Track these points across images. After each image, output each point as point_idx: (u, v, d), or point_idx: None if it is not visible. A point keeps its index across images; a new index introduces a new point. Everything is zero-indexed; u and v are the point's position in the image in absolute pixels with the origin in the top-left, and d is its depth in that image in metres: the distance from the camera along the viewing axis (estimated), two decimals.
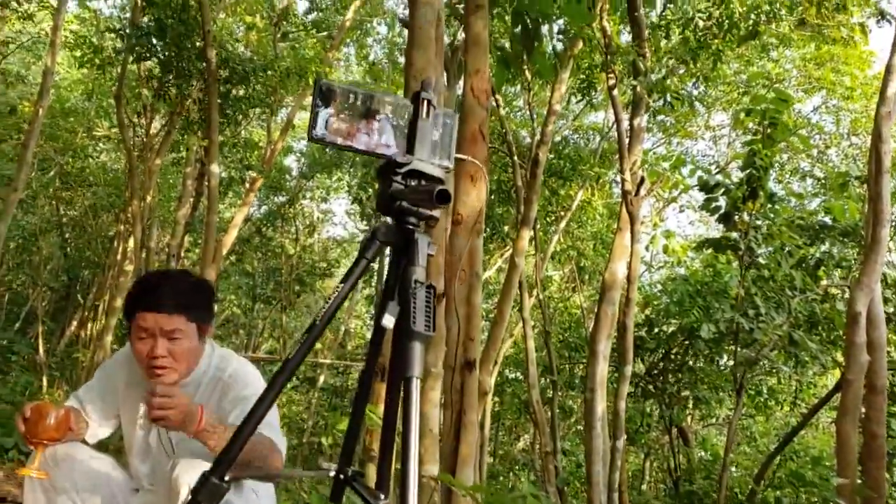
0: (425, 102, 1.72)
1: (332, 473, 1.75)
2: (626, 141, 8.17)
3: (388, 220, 1.67)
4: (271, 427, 2.07)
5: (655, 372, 11.17)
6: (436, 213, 1.64)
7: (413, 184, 1.67)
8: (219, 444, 1.88)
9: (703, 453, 12.45)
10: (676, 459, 11.18)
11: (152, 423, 2.00)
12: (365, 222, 15.06)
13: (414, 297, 1.55)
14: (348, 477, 1.74)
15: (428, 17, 3.41)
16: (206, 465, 1.79)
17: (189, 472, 1.86)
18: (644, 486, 13.53)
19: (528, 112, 13.01)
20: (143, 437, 2.26)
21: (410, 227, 1.65)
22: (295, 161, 18.80)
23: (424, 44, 3.36)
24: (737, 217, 7.59)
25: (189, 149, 11.90)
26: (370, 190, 13.53)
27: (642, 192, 7.78)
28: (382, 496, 1.72)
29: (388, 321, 1.59)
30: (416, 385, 1.51)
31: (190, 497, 1.74)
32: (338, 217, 42.21)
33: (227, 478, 1.63)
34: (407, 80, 3.42)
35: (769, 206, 7.79)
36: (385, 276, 1.72)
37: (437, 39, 3.51)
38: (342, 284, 1.66)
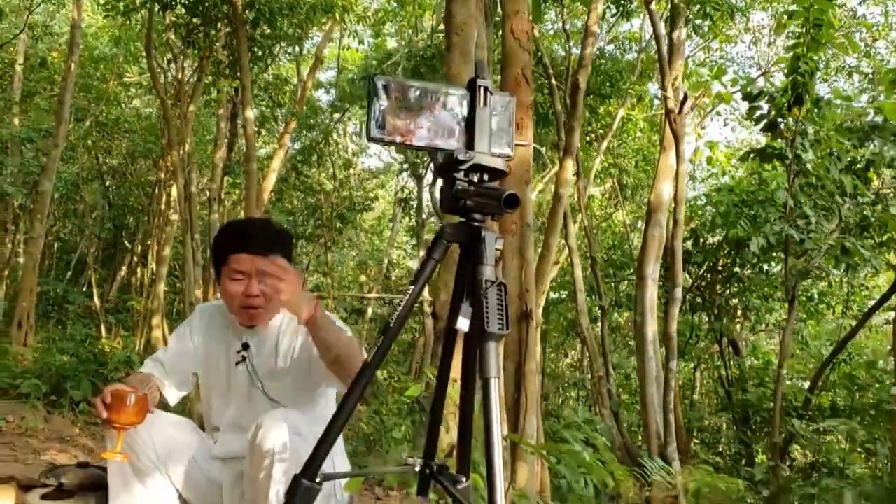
0: (482, 90, 1.67)
1: (418, 469, 1.78)
2: (666, 54, 7.93)
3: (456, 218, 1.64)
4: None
5: (703, 284, 11.10)
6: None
7: (476, 179, 1.63)
8: (328, 337, 1.96)
9: (754, 360, 12.44)
10: (728, 369, 11.20)
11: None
12: (400, 153, 14.96)
13: (486, 298, 1.53)
14: (433, 471, 1.76)
15: None
16: (288, 423, 1.91)
17: (272, 434, 1.92)
18: (696, 397, 13.63)
19: (560, 25, 12.64)
20: (229, 377, 2.33)
21: (477, 223, 1.62)
22: (324, 93, 18.63)
23: None
24: (782, 124, 7.38)
25: (220, 90, 11.82)
26: None
27: (686, 108, 7.58)
28: (464, 479, 1.79)
29: (463, 324, 1.59)
30: (494, 385, 1.52)
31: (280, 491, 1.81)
32: (373, 148, 41.70)
33: (318, 480, 1.66)
34: (448, 33, 3.31)
35: (815, 111, 7.55)
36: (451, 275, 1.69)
37: None
38: (412, 287, 1.65)
